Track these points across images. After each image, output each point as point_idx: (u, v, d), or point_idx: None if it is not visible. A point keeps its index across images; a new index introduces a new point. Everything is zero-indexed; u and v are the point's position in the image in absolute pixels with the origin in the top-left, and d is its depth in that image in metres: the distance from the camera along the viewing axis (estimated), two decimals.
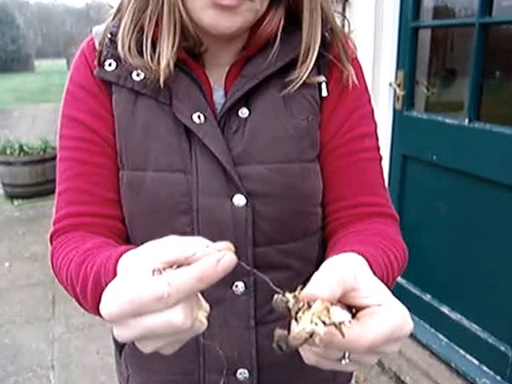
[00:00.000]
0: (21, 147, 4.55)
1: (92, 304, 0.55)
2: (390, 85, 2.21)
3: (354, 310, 0.41)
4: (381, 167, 0.72)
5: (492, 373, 1.90)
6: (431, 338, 2.16)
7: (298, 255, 0.69)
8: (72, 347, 2.50)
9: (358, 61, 0.72)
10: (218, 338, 0.68)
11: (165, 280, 0.38)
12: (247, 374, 0.70)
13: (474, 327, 1.98)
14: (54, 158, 4.47)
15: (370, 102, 0.72)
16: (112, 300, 0.39)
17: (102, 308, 0.40)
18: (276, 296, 0.40)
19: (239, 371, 0.69)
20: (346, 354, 0.41)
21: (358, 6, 2.28)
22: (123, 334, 0.41)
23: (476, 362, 1.98)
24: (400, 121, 2.23)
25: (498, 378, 1.88)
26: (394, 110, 2.24)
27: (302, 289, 0.40)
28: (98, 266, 0.52)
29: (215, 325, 0.67)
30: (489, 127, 1.80)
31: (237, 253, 0.40)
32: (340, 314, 0.39)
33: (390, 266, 0.59)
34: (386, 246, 0.61)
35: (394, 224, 0.70)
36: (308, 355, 0.43)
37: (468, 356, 2.01)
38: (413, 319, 0.41)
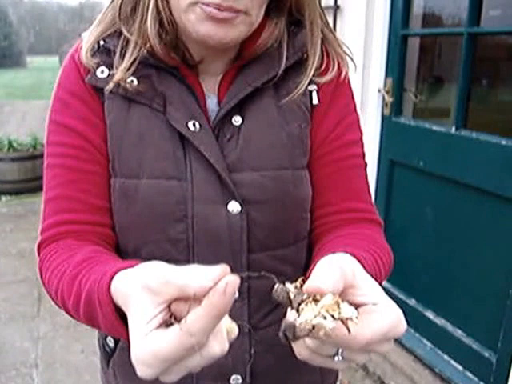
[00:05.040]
0: (10, 143, 4.54)
1: (84, 319, 0.54)
2: (379, 91, 2.23)
3: None
4: (366, 173, 0.73)
5: (476, 379, 1.92)
6: (416, 343, 2.18)
7: (290, 261, 0.70)
8: (56, 346, 2.47)
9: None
10: None
11: (186, 332, 0.38)
12: (240, 380, 0.69)
13: (459, 333, 2.00)
14: (43, 155, 4.44)
15: (355, 109, 0.73)
16: (144, 367, 0.39)
17: (140, 375, 0.40)
18: (277, 285, 0.40)
19: (233, 377, 0.69)
20: (339, 351, 0.42)
21: (348, 13, 2.29)
22: (165, 379, 0.41)
23: (460, 368, 1.99)
24: (388, 127, 2.25)
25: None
26: (383, 116, 2.27)
27: (303, 280, 0.41)
28: (91, 282, 0.51)
29: None
30: (475, 135, 1.82)
31: (232, 260, 0.39)
32: (349, 310, 0.39)
33: (378, 270, 0.59)
34: (374, 251, 0.62)
35: (378, 229, 0.71)
36: (301, 350, 0.43)
37: (452, 361, 2.03)
38: None
